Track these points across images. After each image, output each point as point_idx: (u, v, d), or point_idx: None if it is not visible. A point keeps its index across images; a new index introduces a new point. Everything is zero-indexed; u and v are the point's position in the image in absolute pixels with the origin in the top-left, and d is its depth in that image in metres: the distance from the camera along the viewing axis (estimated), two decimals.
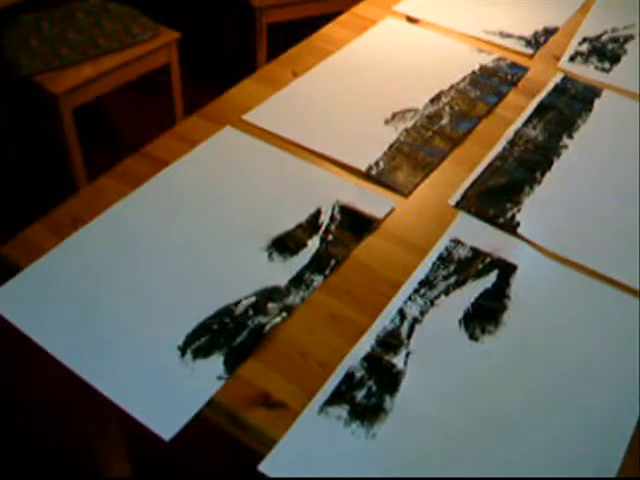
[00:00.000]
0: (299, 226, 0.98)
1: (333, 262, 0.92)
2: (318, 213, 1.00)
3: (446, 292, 0.91)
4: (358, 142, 1.13)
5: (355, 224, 0.98)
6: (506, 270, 0.94)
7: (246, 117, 1.16)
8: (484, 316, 0.88)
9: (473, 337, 0.86)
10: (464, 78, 1.30)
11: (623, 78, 1.36)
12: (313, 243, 0.95)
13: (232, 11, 2.48)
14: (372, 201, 1.02)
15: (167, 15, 2.11)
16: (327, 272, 0.91)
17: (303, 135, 1.13)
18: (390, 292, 0.90)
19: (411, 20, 1.46)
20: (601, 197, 1.08)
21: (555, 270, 0.96)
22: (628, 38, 1.48)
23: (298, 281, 0.89)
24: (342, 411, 0.75)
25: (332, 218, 0.99)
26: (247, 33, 2.29)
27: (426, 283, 0.91)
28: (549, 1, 1.59)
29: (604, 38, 1.47)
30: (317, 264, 0.92)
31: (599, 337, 0.87)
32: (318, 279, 0.89)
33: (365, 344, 0.82)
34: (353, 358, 0.81)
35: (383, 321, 0.85)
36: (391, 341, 0.83)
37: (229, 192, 1.02)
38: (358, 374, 0.79)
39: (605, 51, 1.42)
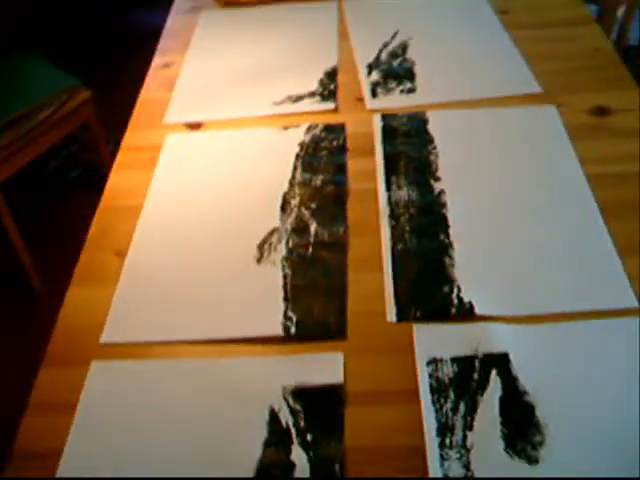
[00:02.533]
0: (266, 444, 0.80)
1: (337, 467, 0.77)
2: (275, 416, 0.83)
3: (469, 427, 0.79)
4: (246, 303, 0.98)
5: (322, 406, 0.84)
6: (502, 365, 0.86)
7: (105, 339, 0.95)
8: (523, 429, 0.80)
9: (527, 456, 0.77)
10: (295, 167, 1.18)
11: (431, 90, 1.35)
12: (299, 458, 0.78)
13: None
14: (318, 366, 0.89)
15: None
16: None
17: (182, 327, 0.97)
18: (417, 463, 0.77)
19: (193, 127, 1.31)
20: (515, 229, 1.05)
21: (539, 332, 0.91)
22: (404, 46, 1.45)
23: None
24: None
25: (293, 412, 0.83)
26: None
27: (445, 429, 0.79)
28: (306, 43, 1.51)
29: (384, 58, 1.42)
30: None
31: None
32: None
33: None
34: None
35: None
36: None
37: None
38: None
39: (396, 70, 1.39)
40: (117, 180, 1.22)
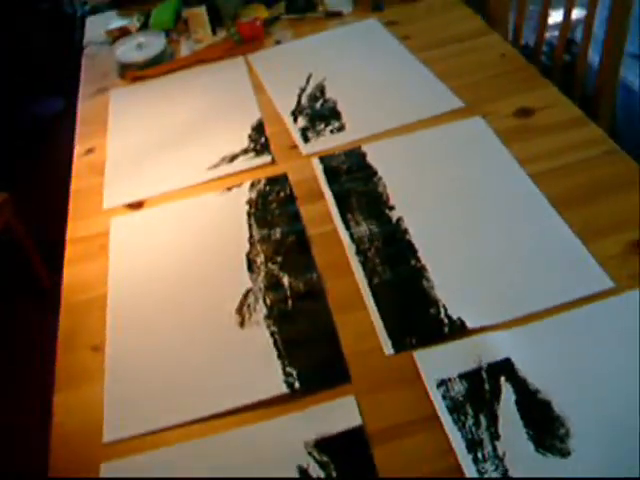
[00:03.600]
0: None
1: None
2: (305, 474, 0.84)
3: (496, 437, 0.82)
4: (242, 369, 0.98)
5: (348, 451, 0.86)
6: (508, 370, 0.90)
7: (108, 439, 0.93)
8: (546, 425, 0.83)
9: (558, 450, 0.81)
10: (250, 226, 1.20)
11: (359, 124, 1.39)
12: None
13: None
14: (333, 414, 0.90)
15: None
16: None
17: (183, 408, 0.95)
18: None
19: (134, 207, 1.30)
20: (478, 238, 1.09)
21: (533, 331, 0.94)
22: (321, 88, 1.50)
23: None
24: None
25: (322, 465, 0.84)
26: None
27: (474, 445, 0.82)
28: (225, 103, 1.53)
29: (305, 103, 1.47)
30: None
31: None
32: None
33: None
34: None
35: None
36: None
37: None
38: None
39: (320, 112, 1.43)
40: (73, 275, 1.20)
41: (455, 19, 1.64)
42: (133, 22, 1.85)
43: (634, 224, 1.05)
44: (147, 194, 1.34)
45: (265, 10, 1.77)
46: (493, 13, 1.76)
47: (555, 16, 1.77)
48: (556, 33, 1.75)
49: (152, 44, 1.75)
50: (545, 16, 1.70)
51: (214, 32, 1.76)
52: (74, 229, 1.30)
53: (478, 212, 1.13)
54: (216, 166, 1.36)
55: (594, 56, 1.67)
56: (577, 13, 1.70)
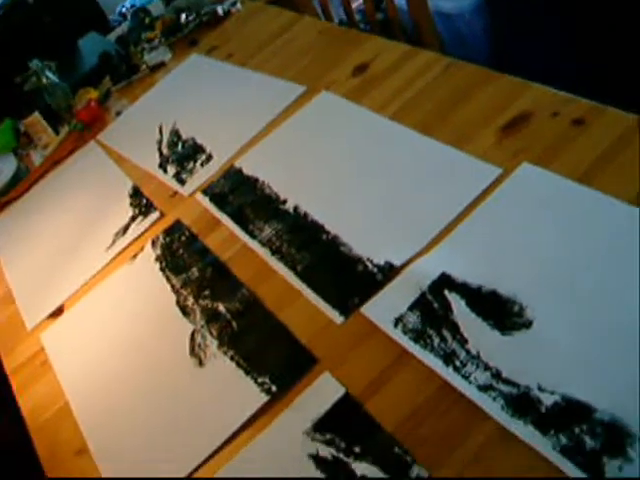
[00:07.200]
0: None
1: (398, 449, 0.79)
2: (319, 459, 0.85)
3: (465, 342, 0.84)
4: (219, 401, 0.98)
5: (346, 420, 0.87)
6: (448, 283, 0.94)
7: None
8: (500, 309, 0.87)
9: (521, 325, 0.84)
10: (167, 278, 1.21)
11: (223, 147, 1.41)
12: (364, 469, 0.80)
13: None
14: (317, 395, 0.92)
15: None
16: None
17: (184, 460, 0.94)
18: (454, 397, 0.81)
19: (56, 314, 1.29)
20: (365, 188, 1.13)
21: (453, 242, 0.98)
22: (176, 132, 1.52)
23: None
24: None
25: (329, 442, 0.85)
26: None
27: (449, 358, 0.84)
28: (94, 186, 1.53)
29: (166, 152, 1.49)
30: None
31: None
32: None
33: None
34: None
35: None
36: None
37: None
38: None
39: (185, 153, 1.46)
40: (28, 401, 1.17)
41: (265, 21, 1.69)
42: None
43: (496, 112, 1.10)
44: (62, 298, 1.32)
45: (94, 90, 1.77)
46: (297, 3, 1.82)
47: None
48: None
49: (4, 169, 1.72)
50: None
51: (57, 131, 1.75)
52: (10, 362, 1.27)
53: (358, 168, 1.17)
54: (113, 244, 1.35)
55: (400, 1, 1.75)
56: None
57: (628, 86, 1.53)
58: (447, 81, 1.21)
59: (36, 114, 1.73)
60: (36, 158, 1.74)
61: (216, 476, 0.90)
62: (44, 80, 1.73)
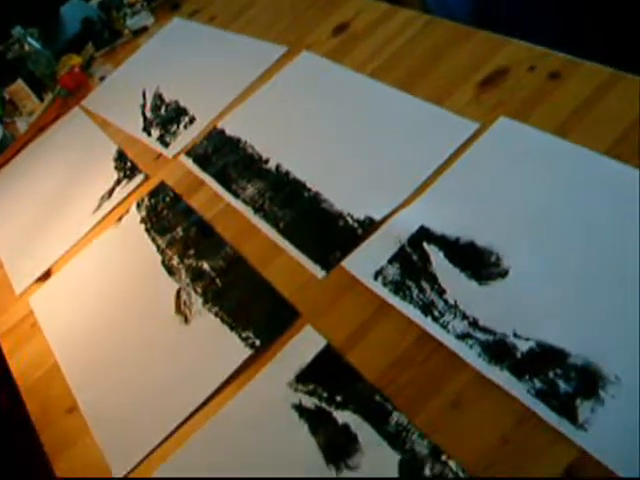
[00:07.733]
0: (312, 430, 0.83)
1: (379, 397, 0.81)
2: (301, 408, 0.86)
3: (443, 292, 0.86)
4: (206, 356, 1.00)
5: (328, 370, 0.89)
6: (426, 235, 0.95)
7: (118, 474, 0.93)
8: (477, 260, 0.88)
9: (497, 274, 0.85)
10: (153, 239, 1.22)
11: (206, 109, 1.41)
12: (346, 417, 0.82)
13: None
14: (300, 348, 0.93)
15: None
16: None
17: (170, 415, 0.95)
18: (433, 345, 0.82)
19: (44, 278, 1.29)
20: (346, 147, 1.14)
21: (432, 195, 0.99)
22: (159, 95, 1.52)
23: None
24: None
25: (311, 392, 0.86)
26: None
27: (427, 308, 0.86)
28: (79, 151, 1.53)
29: (150, 116, 1.48)
30: None
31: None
32: None
33: None
34: None
35: None
36: None
37: None
38: None
39: (169, 116, 1.46)
40: (18, 362, 1.18)
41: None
42: None
43: (473, 68, 1.10)
44: (50, 262, 1.33)
45: (77, 57, 1.76)
46: None
47: None
48: None
49: None
50: None
51: (41, 98, 1.74)
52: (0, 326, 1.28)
53: (338, 126, 1.17)
54: (99, 207, 1.36)
55: None
56: None
57: (605, 40, 1.53)
58: (426, 38, 1.21)
59: (20, 82, 1.72)
60: (21, 125, 1.74)
61: (203, 428, 0.92)
62: (27, 47, 1.72)
